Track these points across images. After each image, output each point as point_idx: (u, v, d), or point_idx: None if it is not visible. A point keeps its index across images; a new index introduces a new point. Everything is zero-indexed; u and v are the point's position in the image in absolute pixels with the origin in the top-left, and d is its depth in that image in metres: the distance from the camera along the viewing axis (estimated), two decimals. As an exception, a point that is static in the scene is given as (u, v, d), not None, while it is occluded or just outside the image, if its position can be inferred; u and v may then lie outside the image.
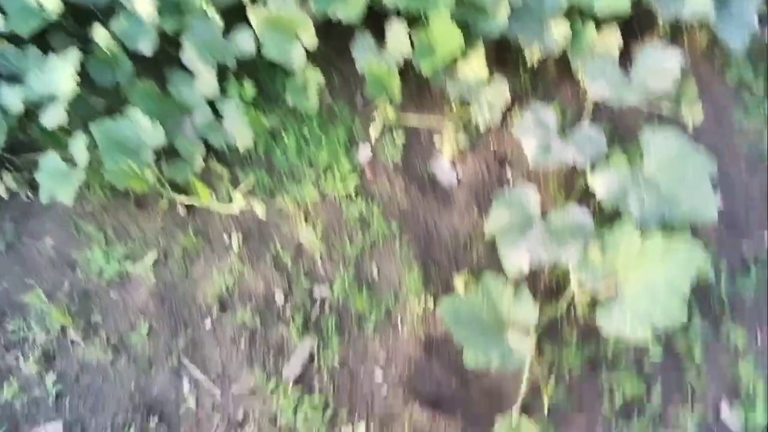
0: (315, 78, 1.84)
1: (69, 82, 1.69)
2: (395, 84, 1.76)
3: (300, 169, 1.80)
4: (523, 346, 1.34)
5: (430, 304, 1.54)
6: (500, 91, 1.79)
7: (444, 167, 1.81)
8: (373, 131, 1.80)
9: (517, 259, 1.38)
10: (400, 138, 1.82)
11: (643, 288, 1.31)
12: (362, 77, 1.89)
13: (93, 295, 1.67)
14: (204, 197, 1.66)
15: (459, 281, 1.55)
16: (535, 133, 1.54)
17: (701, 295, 1.54)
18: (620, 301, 1.32)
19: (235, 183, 1.78)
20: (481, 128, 1.82)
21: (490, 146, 1.82)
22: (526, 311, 1.36)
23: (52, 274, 1.71)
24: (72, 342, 1.60)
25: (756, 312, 1.53)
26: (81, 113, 1.87)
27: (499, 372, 1.48)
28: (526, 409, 1.41)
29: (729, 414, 1.40)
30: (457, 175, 1.79)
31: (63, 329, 1.61)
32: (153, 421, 1.46)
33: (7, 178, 1.87)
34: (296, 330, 1.54)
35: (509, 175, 1.76)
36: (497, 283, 1.38)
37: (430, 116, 1.86)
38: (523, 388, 1.39)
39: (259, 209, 1.57)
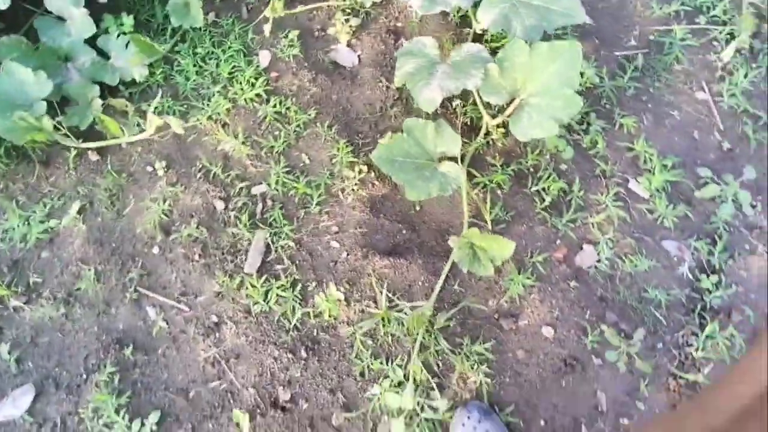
0: (194, -7, 1.76)
1: None
2: (275, -22, 1.73)
3: (205, 86, 1.74)
4: (454, 170, 1.42)
5: (364, 169, 1.58)
6: (378, -34, 1.81)
7: (343, 52, 1.82)
8: (267, 31, 1.76)
9: (430, 94, 1.43)
10: (294, 35, 1.80)
11: (540, 90, 1.42)
12: (242, -12, 1.84)
13: (23, 260, 1.55)
14: (114, 130, 1.56)
15: (384, 140, 1.59)
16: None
17: (592, 98, 1.69)
18: (526, 108, 1.42)
19: (142, 114, 1.70)
20: (368, 5, 1.84)
21: (381, 21, 1.85)
22: (449, 140, 1.43)
23: (-29, 253, 1.57)
24: (15, 309, 1.49)
25: (638, 101, 1.71)
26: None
27: (441, 206, 1.57)
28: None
29: (636, 184, 1.58)
30: (356, 55, 1.81)
31: (1, 300, 1.49)
32: (128, 351, 1.41)
33: None
34: (245, 228, 1.53)
35: (403, 42, 1.81)
36: (418, 123, 1.44)
37: (318, 6, 1.85)
38: (465, 211, 1.48)
39: (176, 123, 1.51)
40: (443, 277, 1.44)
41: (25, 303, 1.50)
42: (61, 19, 1.75)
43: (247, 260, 1.50)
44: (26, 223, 1.59)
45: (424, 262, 1.49)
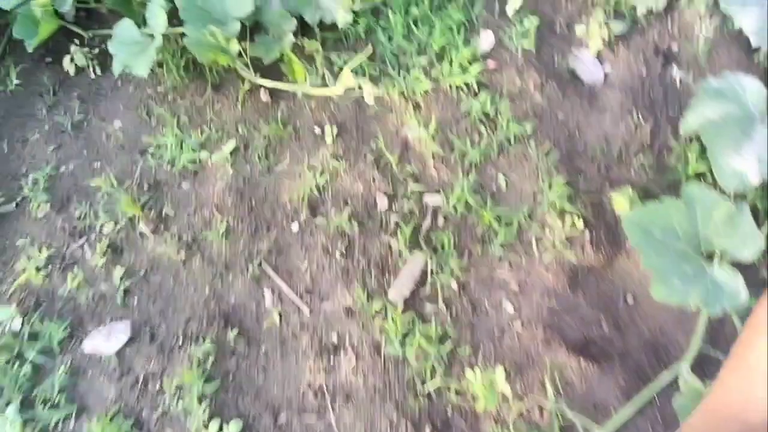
0: (433, -59, 1.26)
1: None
2: (542, -56, 1.17)
3: (408, 55, 1.26)
4: (733, 283, 0.83)
5: (578, 223, 1.03)
6: (677, -37, 1.17)
7: (587, 61, 1.23)
8: (511, 10, 1.22)
9: (738, 165, 0.84)
10: (532, 24, 1.25)
11: None
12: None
13: (164, 184, 1.23)
14: (298, 75, 1.16)
15: (618, 199, 1.02)
16: (754, 7, 0.95)
17: None
18: None
19: (329, 66, 1.28)
20: (639, 13, 1.22)
21: (650, 36, 1.23)
22: (745, 237, 0.83)
23: (122, 158, 1.27)
24: (141, 235, 1.19)
25: None
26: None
27: (665, 309, 0.99)
28: (698, 365, 0.92)
29: None
30: (604, 71, 1.22)
31: (131, 220, 1.19)
32: (232, 333, 1.05)
33: (76, 52, 1.42)
34: (404, 242, 1.07)
35: (675, 74, 1.18)
36: (707, 196, 0.85)
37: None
38: (699, 336, 0.89)
39: (369, 91, 1.06)
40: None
41: (152, 231, 1.19)
42: (281, -65, 1.36)
43: (394, 283, 1.05)
44: (180, 145, 1.27)
45: (622, 378, 0.94)
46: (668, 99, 1.15)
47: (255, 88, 1.29)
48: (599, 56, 1.22)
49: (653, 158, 1.08)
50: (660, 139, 1.09)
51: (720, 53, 1.17)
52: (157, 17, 1.20)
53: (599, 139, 1.12)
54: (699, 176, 1.04)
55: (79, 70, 1.42)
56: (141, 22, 1.28)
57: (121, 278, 1.14)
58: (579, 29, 1.25)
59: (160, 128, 1.30)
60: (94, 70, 1.42)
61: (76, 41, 1.42)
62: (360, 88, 1.09)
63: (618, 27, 1.22)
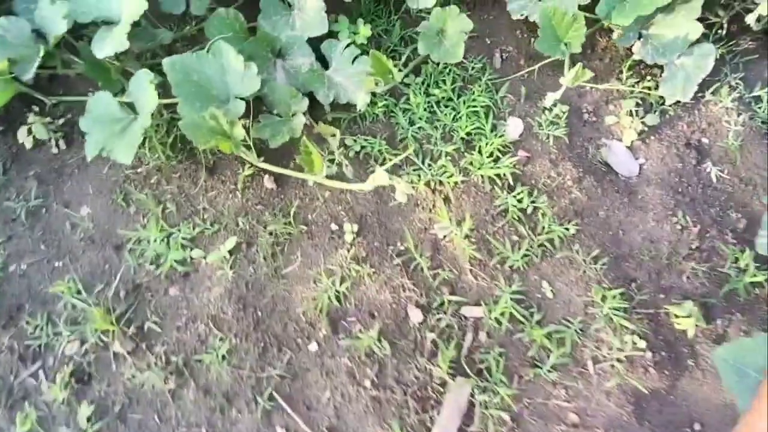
0: (458, 24, 1.18)
1: (135, -2, 1.02)
2: (578, 37, 1.11)
3: (433, 141, 1.15)
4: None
5: (639, 343, 0.93)
6: (704, 58, 1.16)
7: (620, 153, 1.18)
8: (549, 101, 1.15)
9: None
10: (563, 111, 1.18)
11: None
12: (501, 27, 1.27)
13: (146, 290, 1.01)
14: (316, 167, 1.00)
15: (679, 314, 0.93)
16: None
17: None
18: None
19: (344, 151, 1.14)
20: (668, 103, 1.19)
21: (680, 129, 1.20)
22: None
23: (90, 256, 1.04)
24: (116, 357, 0.96)
25: None
26: (139, 46, 1.19)
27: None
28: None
29: None
30: (638, 163, 1.16)
31: (103, 338, 0.97)
32: (236, 495, 0.84)
33: (35, 122, 1.20)
34: (445, 366, 0.91)
35: (710, 169, 1.14)
36: None
37: (605, 85, 1.21)
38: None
39: (403, 190, 0.93)
40: None
41: (130, 352, 0.97)
42: (289, 5, 1.23)
43: (438, 419, 0.89)
44: (166, 241, 1.06)
45: None
46: (708, 196, 1.11)
47: (258, 173, 1.12)
48: (632, 148, 1.17)
49: (705, 264, 1.01)
50: (708, 242, 1.03)
51: (751, 148, 1.15)
52: (146, 93, 1.02)
53: (645, 240, 1.05)
54: (755, 285, 0.98)
55: (39, 143, 1.19)
56: (119, 93, 1.09)
57: (89, 419, 0.90)
58: (609, 119, 1.20)
59: (141, 218, 1.09)
60: (57, 144, 1.20)
61: (35, 108, 1.20)
62: (390, 182, 0.96)
63: (649, 119, 1.18)
